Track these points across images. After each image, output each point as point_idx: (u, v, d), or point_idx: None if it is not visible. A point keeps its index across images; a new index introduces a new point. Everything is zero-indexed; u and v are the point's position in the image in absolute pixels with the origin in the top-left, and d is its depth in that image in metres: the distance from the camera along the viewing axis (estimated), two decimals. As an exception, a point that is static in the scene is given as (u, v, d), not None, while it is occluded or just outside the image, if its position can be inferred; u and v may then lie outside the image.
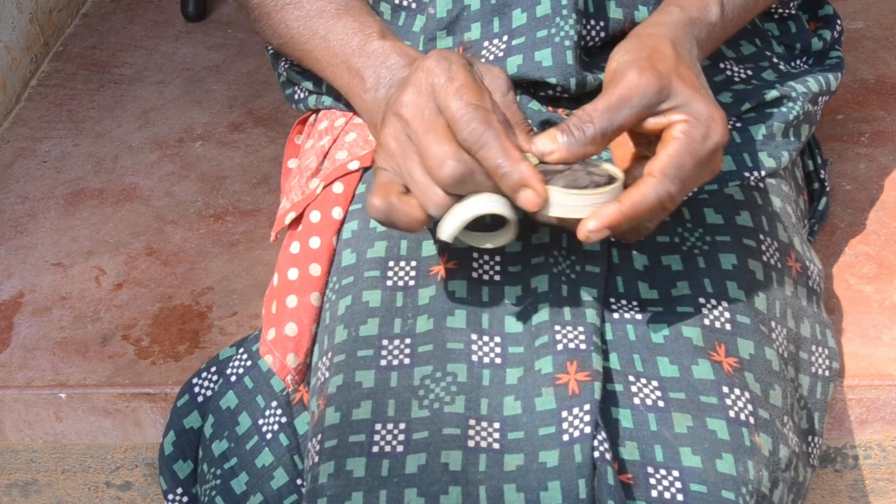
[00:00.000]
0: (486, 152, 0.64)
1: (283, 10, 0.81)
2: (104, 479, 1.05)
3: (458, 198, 0.66)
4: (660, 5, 0.77)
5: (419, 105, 0.66)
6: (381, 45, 0.76)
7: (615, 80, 0.67)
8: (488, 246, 0.71)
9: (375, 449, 0.68)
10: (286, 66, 0.92)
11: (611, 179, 0.67)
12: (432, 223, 0.78)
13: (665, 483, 0.67)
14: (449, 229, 0.66)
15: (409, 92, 0.67)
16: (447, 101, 0.65)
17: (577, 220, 0.66)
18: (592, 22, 0.81)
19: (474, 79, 0.66)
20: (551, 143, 0.66)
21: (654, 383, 0.71)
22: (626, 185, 0.68)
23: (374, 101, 0.75)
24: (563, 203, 0.65)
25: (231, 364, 0.86)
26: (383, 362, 0.72)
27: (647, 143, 0.70)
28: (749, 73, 0.89)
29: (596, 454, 0.66)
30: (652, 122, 0.68)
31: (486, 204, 0.65)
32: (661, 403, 0.70)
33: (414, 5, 0.85)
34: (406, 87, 0.67)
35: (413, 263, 0.77)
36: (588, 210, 0.65)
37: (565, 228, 0.71)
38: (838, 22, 0.98)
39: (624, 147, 0.72)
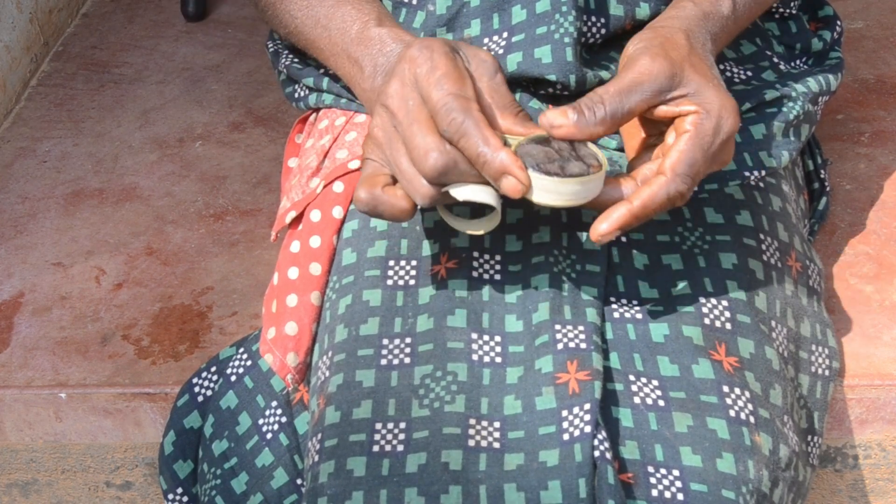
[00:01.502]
0: (466, 141, 0.64)
1: (288, 0, 0.82)
2: (104, 479, 1.05)
3: (443, 188, 0.66)
4: (672, 1, 0.77)
5: (403, 96, 0.66)
6: (377, 31, 0.76)
7: (628, 65, 0.68)
8: (471, 232, 0.71)
9: (376, 448, 0.68)
10: (286, 62, 0.91)
11: (598, 162, 0.67)
12: (431, 221, 0.78)
13: (665, 482, 0.67)
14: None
15: (395, 83, 0.67)
16: (429, 92, 0.65)
17: (568, 205, 0.66)
18: (593, 19, 0.81)
19: (456, 66, 0.66)
20: (562, 118, 0.66)
21: (655, 382, 0.71)
22: (631, 169, 0.69)
23: (373, 90, 0.75)
24: (549, 189, 0.65)
25: (231, 364, 0.86)
26: (384, 361, 0.72)
27: (657, 132, 0.71)
28: (749, 73, 0.89)
29: (596, 453, 0.66)
30: (663, 110, 0.68)
31: (470, 193, 0.66)
32: (661, 403, 0.70)
33: (414, 1, 0.84)
34: (392, 78, 0.67)
35: (413, 263, 0.77)
36: (573, 197, 0.65)
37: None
38: (838, 23, 0.98)
39: (635, 138, 0.73)
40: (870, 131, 1.21)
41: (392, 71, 0.68)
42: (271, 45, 0.95)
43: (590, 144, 0.67)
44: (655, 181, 0.67)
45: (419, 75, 0.66)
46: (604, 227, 0.66)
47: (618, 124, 0.67)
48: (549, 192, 0.65)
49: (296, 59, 0.91)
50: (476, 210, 0.76)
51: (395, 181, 0.68)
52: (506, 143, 0.66)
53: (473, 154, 0.64)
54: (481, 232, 0.71)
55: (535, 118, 0.80)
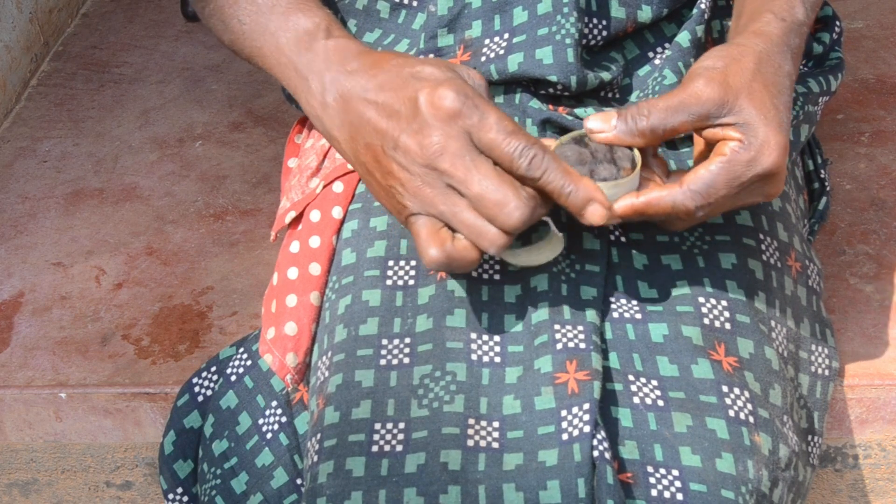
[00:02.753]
0: (548, 176, 0.65)
1: (237, 5, 0.79)
2: (104, 479, 1.05)
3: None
4: (748, 11, 0.75)
5: (457, 153, 0.65)
6: (324, 44, 0.73)
7: (685, 81, 0.68)
8: (537, 264, 0.72)
9: (375, 448, 0.68)
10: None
11: (631, 163, 0.68)
12: None
13: (665, 482, 0.67)
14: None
15: (437, 141, 0.65)
16: (491, 140, 0.65)
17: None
18: (595, 20, 0.81)
19: (492, 101, 0.66)
20: (604, 124, 0.67)
21: (654, 382, 0.71)
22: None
23: (323, 108, 0.72)
24: None
25: (231, 364, 0.86)
26: (383, 361, 0.72)
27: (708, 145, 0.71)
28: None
29: (595, 453, 0.66)
30: (709, 133, 0.68)
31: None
32: (660, 403, 0.70)
33: (415, 3, 0.84)
34: (427, 136, 0.65)
35: (413, 263, 0.77)
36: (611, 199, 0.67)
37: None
38: (837, 23, 0.98)
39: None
40: (870, 131, 1.21)
41: (420, 129, 0.66)
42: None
43: (621, 147, 0.68)
44: (668, 187, 0.68)
45: (472, 127, 0.65)
46: (603, 213, 0.67)
47: (658, 138, 0.68)
48: None
49: None
50: (523, 237, 0.75)
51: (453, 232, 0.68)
52: None
53: (557, 188, 0.65)
54: (548, 260, 0.71)
55: (535, 118, 0.80)
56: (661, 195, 0.67)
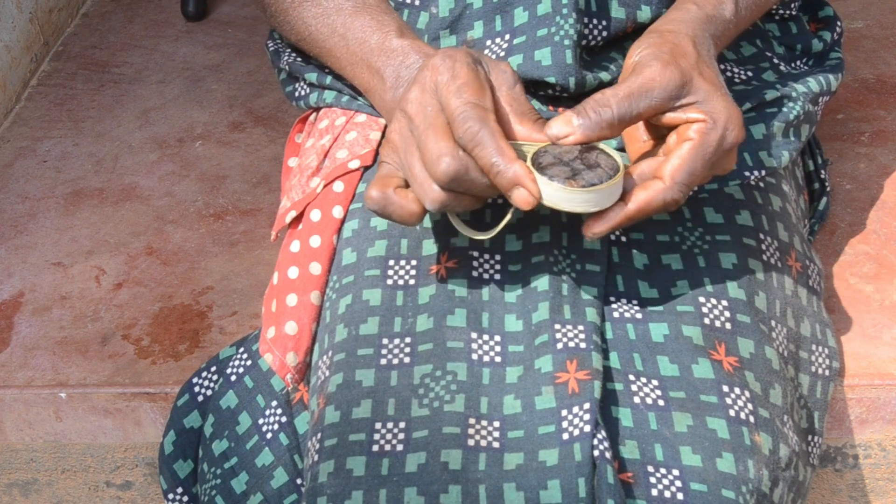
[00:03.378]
0: (480, 150, 0.65)
1: (301, 7, 0.82)
2: (104, 479, 1.05)
3: (453, 193, 0.66)
4: (675, 2, 0.77)
5: (423, 102, 0.67)
6: (399, 43, 0.77)
7: (637, 71, 0.68)
8: (477, 237, 0.72)
9: (375, 448, 0.68)
10: (289, 59, 0.91)
11: (614, 170, 0.67)
12: (431, 221, 0.78)
13: (665, 482, 0.67)
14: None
15: (415, 89, 0.68)
16: (447, 99, 0.66)
17: (581, 212, 0.67)
18: (594, 21, 0.81)
19: (477, 77, 0.67)
20: (567, 127, 0.67)
21: (655, 382, 0.71)
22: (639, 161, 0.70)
23: (394, 100, 0.76)
24: (562, 198, 0.66)
25: (231, 363, 0.86)
26: (383, 361, 0.72)
27: (659, 135, 0.71)
28: (749, 73, 0.89)
29: (596, 453, 0.66)
30: (670, 117, 0.68)
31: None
32: (661, 402, 0.70)
33: (417, 2, 0.84)
34: (413, 85, 0.68)
35: (413, 262, 0.77)
36: (587, 205, 0.66)
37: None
38: (838, 23, 0.98)
39: (637, 141, 0.73)
40: (870, 131, 1.21)
41: (414, 78, 0.69)
42: (272, 44, 0.95)
43: (608, 149, 0.68)
44: (653, 186, 0.67)
45: (439, 83, 0.67)
46: (598, 228, 0.67)
47: (623, 127, 0.68)
48: (563, 200, 0.66)
49: (298, 56, 0.91)
50: (477, 213, 0.76)
51: (407, 185, 0.69)
52: (521, 153, 0.67)
53: (487, 164, 0.65)
54: (485, 237, 0.71)
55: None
56: (651, 195, 0.67)
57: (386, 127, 0.85)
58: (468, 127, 0.65)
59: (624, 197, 0.67)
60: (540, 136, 0.68)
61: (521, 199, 0.65)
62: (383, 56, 0.77)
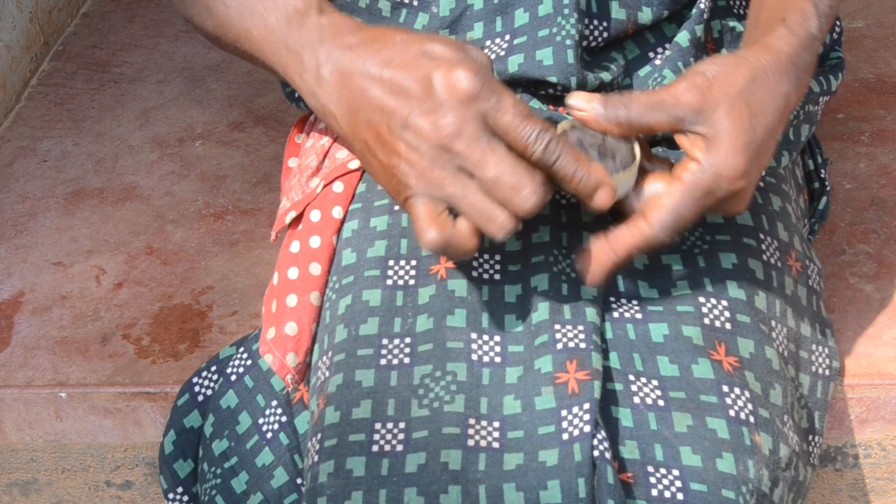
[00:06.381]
0: (562, 161, 0.65)
1: None
2: (104, 479, 1.05)
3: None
4: (763, 21, 0.74)
5: (473, 135, 0.64)
6: (318, 20, 0.72)
7: (674, 81, 0.68)
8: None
9: (375, 448, 0.68)
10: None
11: (629, 160, 0.68)
12: None
13: (665, 482, 0.67)
14: None
15: (453, 122, 0.64)
16: (507, 123, 0.64)
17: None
18: (595, 22, 0.81)
19: (510, 89, 0.66)
20: (585, 103, 0.67)
21: (654, 382, 0.71)
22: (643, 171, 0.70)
23: (318, 83, 0.71)
24: None
25: (231, 363, 0.86)
26: (383, 361, 0.72)
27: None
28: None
29: (595, 453, 0.66)
30: (679, 139, 0.68)
31: None
32: (661, 402, 0.70)
33: (415, 2, 0.84)
34: (443, 117, 0.65)
35: (413, 263, 0.77)
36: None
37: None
38: (837, 23, 0.98)
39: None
40: (870, 131, 1.21)
41: (435, 109, 0.65)
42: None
43: (622, 139, 0.68)
44: (637, 228, 0.67)
45: (489, 110, 0.64)
46: (596, 279, 0.68)
47: (634, 131, 0.67)
48: None
49: None
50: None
51: (451, 213, 0.67)
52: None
53: (570, 173, 0.65)
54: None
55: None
56: (637, 240, 0.67)
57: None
58: (547, 143, 0.64)
59: (612, 244, 0.68)
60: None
61: (605, 198, 0.66)
62: (302, 34, 0.72)
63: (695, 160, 0.67)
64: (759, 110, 0.67)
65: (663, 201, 0.67)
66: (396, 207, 0.80)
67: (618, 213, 0.71)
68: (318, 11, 0.73)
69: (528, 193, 0.64)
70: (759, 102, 0.67)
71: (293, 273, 0.82)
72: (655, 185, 0.69)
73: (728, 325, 0.74)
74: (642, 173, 0.69)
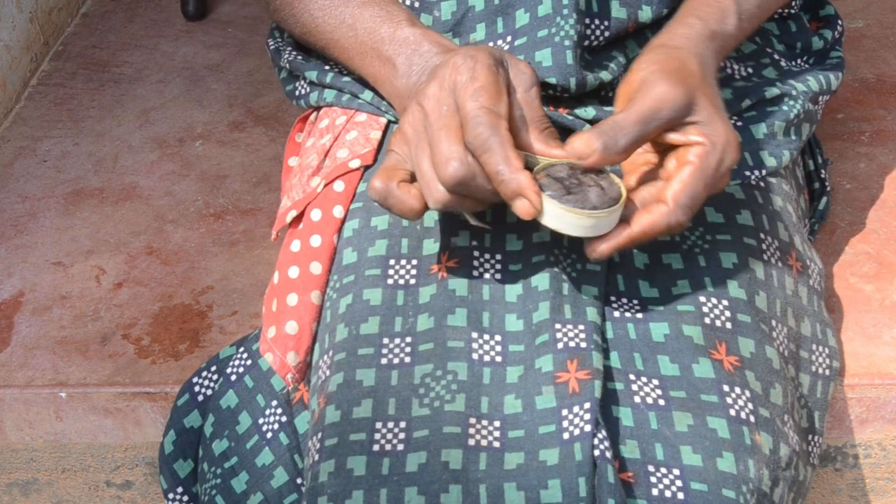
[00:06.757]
0: (488, 157, 0.65)
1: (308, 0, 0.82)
2: (104, 479, 1.05)
3: (457, 196, 0.66)
4: (678, 15, 0.77)
5: (440, 99, 0.67)
6: (411, 32, 0.77)
7: (644, 90, 0.69)
8: (483, 226, 0.74)
9: (376, 447, 0.68)
10: (289, 57, 0.91)
11: (616, 195, 0.68)
12: (432, 220, 0.78)
13: (666, 481, 0.67)
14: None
15: (434, 85, 0.68)
16: (464, 101, 0.66)
17: (581, 236, 0.68)
18: (596, 21, 0.81)
19: (496, 80, 0.67)
20: (588, 149, 0.67)
21: (655, 382, 0.71)
22: (629, 190, 0.70)
23: (407, 87, 0.76)
24: (563, 220, 0.67)
25: (231, 363, 0.86)
26: (384, 361, 0.72)
27: (659, 150, 0.72)
28: (750, 70, 0.89)
29: (596, 452, 0.66)
30: (672, 137, 0.69)
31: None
32: (661, 402, 0.70)
33: (417, 4, 0.84)
34: (432, 80, 0.68)
35: (414, 262, 0.77)
36: (588, 230, 0.67)
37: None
38: (839, 22, 0.98)
39: (633, 159, 0.73)
40: (870, 130, 1.21)
41: (433, 73, 0.69)
42: (272, 42, 0.95)
43: (612, 175, 0.69)
44: (657, 209, 0.68)
45: (458, 83, 0.67)
46: (602, 248, 0.68)
47: (635, 150, 0.68)
48: (565, 222, 0.67)
49: (299, 54, 0.91)
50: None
51: (413, 179, 0.69)
52: (532, 163, 0.68)
53: (493, 171, 0.65)
54: (489, 228, 0.72)
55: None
56: (655, 219, 0.68)
57: (387, 126, 0.86)
58: (479, 132, 0.65)
59: (627, 219, 0.68)
60: (541, 147, 0.68)
61: (523, 209, 0.66)
62: (395, 45, 0.77)
63: (697, 144, 0.68)
64: (716, 91, 0.72)
65: (677, 184, 0.68)
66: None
67: None
68: (410, 23, 0.78)
69: (452, 163, 0.65)
70: (712, 84, 0.72)
71: (294, 272, 0.82)
72: (649, 189, 0.70)
73: (729, 325, 0.74)
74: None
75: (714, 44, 0.75)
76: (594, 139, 0.67)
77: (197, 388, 0.88)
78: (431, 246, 0.77)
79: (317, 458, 0.69)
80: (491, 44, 0.82)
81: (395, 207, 0.69)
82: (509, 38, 0.81)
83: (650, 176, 0.72)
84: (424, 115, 0.68)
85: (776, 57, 0.91)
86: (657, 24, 0.84)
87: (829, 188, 1.02)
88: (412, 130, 0.69)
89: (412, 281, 0.76)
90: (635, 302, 0.75)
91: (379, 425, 0.69)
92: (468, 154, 0.65)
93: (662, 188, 0.69)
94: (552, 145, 0.68)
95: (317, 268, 0.81)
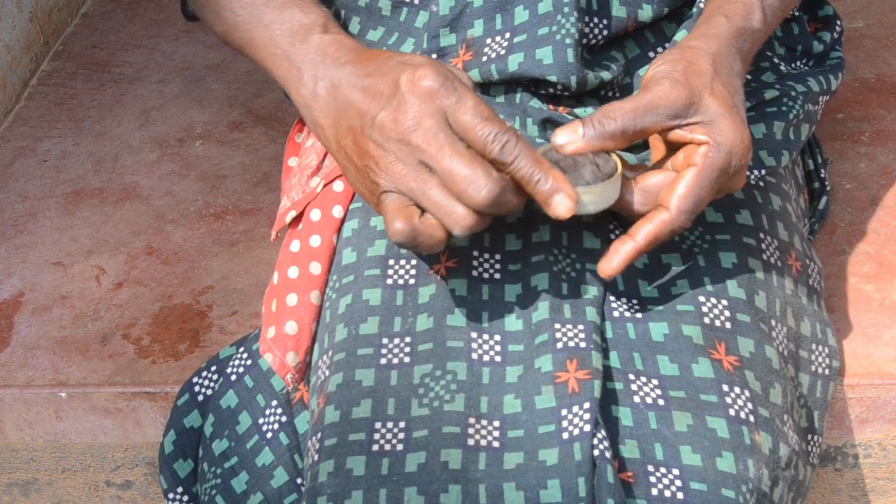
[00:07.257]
0: (519, 162, 0.65)
1: None
2: (104, 479, 1.05)
3: (483, 216, 0.66)
4: (704, 14, 0.77)
5: (431, 129, 0.66)
6: (321, 38, 0.75)
7: (648, 86, 0.69)
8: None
9: (375, 447, 0.68)
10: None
11: (611, 172, 0.68)
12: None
13: (665, 481, 0.67)
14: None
15: (412, 116, 0.66)
16: (467, 122, 0.66)
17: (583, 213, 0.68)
18: (595, 20, 0.81)
19: (473, 90, 0.67)
20: (572, 136, 0.67)
21: (654, 381, 0.71)
22: (656, 164, 0.71)
23: (313, 97, 0.73)
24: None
25: (231, 363, 0.86)
26: (383, 361, 0.72)
27: (672, 147, 0.72)
28: (748, 75, 0.89)
29: (596, 452, 0.66)
30: (677, 135, 0.70)
31: None
32: (661, 402, 0.70)
33: (416, 1, 0.84)
34: (403, 112, 0.67)
35: (413, 262, 0.77)
36: (581, 205, 0.67)
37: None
38: (838, 22, 0.98)
39: (658, 149, 0.74)
40: (870, 130, 1.21)
41: (398, 105, 0.67)
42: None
43: (612, 154, 0.69)
44: (659, 218, 0.68)
45: (448, 107, 0.66)
46: (613, 266, 0.69)
47: (629, 140, 0.69)
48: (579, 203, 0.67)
49: None
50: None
51: (422, 212, 0.68)
52: None
53: (526, 175, 0.65)
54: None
55: (535, 117, 0.80)
56: (659, 228, 0.69)
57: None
58: (505, 143, 0.65)
59: (632, 234, 0.69)
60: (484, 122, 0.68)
61: (563, 206, 0.66)
62: (303, 50, 0.75)
63: (704, 144, 0.68)
64: (733, 89, 0.71)
65: (681, 188, 0.68)
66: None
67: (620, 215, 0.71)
68: (323, 30, 0.75)
69: (480, 185, 0.64)
70: (728, 83, 0.71)
71: (293, 272, 0.82)
72: (654, 178, 0.70)
73: (728, 325, 0.74)
74: (623, 180, 0.70)
75: (738, 41, 0.74)
76: (579, 127, 0.68)
77: (197, 388, 0.88)
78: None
79: (316, 458, 0.70)
80: (489, 40, 0.81)
81: (425, 243, 0.67)
82: (507, 35, 0.80)
83: (661, 163, 0.72)
84: (415, 149, 0.66)
85: (776, 61, 0.91)
86: (657, 24, 0.84)
87: (828, 188, 1.02)
88: (404, 167, 0.67)
89: (411, 281, 0.76)
90: (635, 302, 0.75)
91: (378, 425, 0.69)
92: (492, 170, 0.65)
93: (666, 190, 0.69)
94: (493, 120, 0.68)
95: (316, 268, 0.81)
